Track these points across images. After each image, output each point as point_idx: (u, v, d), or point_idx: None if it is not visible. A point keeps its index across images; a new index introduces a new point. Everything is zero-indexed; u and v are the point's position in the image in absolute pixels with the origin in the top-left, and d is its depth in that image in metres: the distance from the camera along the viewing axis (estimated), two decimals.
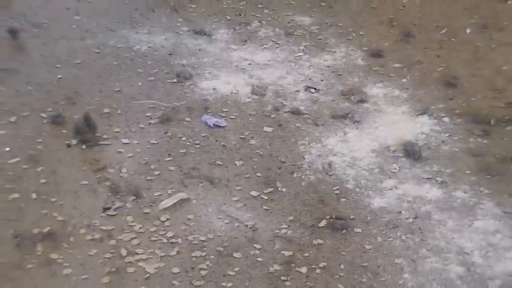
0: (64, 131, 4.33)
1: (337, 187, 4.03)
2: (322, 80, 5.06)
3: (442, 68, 5.25)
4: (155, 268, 3.41)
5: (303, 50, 5.45)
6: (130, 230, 3.63)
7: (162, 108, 4.61)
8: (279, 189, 4.00)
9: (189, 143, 4.32)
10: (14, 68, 4.94)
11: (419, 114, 4.71)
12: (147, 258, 3.47)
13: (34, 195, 3.81)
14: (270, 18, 5.85)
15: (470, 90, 4.99)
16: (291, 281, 3.39)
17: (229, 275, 3.40)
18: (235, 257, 3.51)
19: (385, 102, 4.85)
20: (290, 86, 4.98)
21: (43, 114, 4.46)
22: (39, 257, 3.44)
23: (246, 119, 4.59)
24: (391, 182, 4.09)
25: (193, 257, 3.50)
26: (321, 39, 5.61)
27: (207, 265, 3.45)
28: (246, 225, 3.71)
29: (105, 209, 3.76)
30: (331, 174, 4.13)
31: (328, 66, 5.24)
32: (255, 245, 3.59)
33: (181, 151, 4.25)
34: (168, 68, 5.07)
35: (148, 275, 3.37)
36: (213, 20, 5.76)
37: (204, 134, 4.41)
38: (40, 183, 3.91)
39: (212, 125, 4.48)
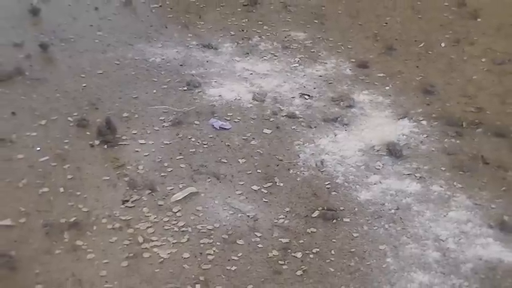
0: (88, 133, 4.32)
1: (328, 182, 4.02)
2: (314, 88, 5.05)
3: (420, 77, 5.24)
4: (168, 253, 3.41)
5: (298, 61, 5.44)
6: (146, 220, 3.63)
7: (174, 112, 4.60)
8: (277, 184, 3.98)
9: (197, 143, 4.31)
10: (44, 77, 4.94)
11: (400, 118, 4.69)
12: (161, 245, 3.46)
13: (61, 189, 3.81)
14: (269, 34, 5.84)
15: (445, 96, 4.98)
16: (288, 265, 3.38)
17: (233, 259, 3.40)
18: (239, 244, 3.50)
19: (370, 107, 4.84)
20: (287, 93, 4.97)
21: (69, 118, 4.46)
22: (66, 244, 3.44)
23: (248, 122, 4.58)
24: (375, 177, 4.08)
25: (201, 243, 3.49)
26: (313, 52, 5.60)
27: (214, 251, 3.44)
28: (248, 216, 3.70)
29: (124, 201, 3.76)
30: (323, 171, 4.12)
31: (320, 76, 5.23)
32: (256, 233, 3.58)
33: (191, 150, 4.24)
34: (179, 78, 5.06)
35: (162, 259, 3.37)
36: (219, 35, 5.76)
37: (211, 136, 4.40)
38: (67, 179, 3.90)
39: (218, 128, 4.47)
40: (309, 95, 4.95)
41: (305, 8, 6.35)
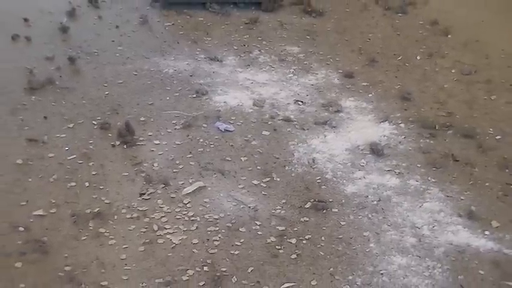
0: (110, 135, 4.31)
1: (319, 177, 4.01)
2: (307, 95, 5.03)
3: (398, 86, 5.22)
4: (179, 239, 3.40)
5: (293, 72, 5.42)
6: (160, 211, 3.62)
7: (185, 117, 4.58)
8: (274, 179, 3.97)
9: (205, 144, 4.29)
10: (72, 86, 4.92)
11: (382, 121, 4.68)
12: (173, 232, 3.46)
13: (87, 184, 3.80)
14: (267, 48, 5.82)
15: (420, 103, 4.96)
16: (284, 249, 3.37)
17: (236, 245, 3.39)
18: (241, 231, 3.49)
19: (356, 112, 4.82)
20: (283, 99, 4.95)
21: (94, 122, 4.44)
22: (91, 231, 3.43)
23: (249, 125, 4.56)
24: (360, 173, 4.07)
25: (208, 231, 3.48)
26: (306, 64, 5.58)
27: (219, 237, 3.43)
28: (249, 207, 3.69)
29: (141, 194, 3.75)
30: (314, 167, 4.11)
31: (312, 85, 5.21)
32: (256, 222, 3.57)
33: (199, 150, 4.22)
34: (189, 86, 5.04)
35: (174, 245, 3.36)
36: (223, 50, 5.73)
37: (216, 137, 4.38)
38: (91, 175, 3.89)
39: (223, 130, 4.45)
40: (302, 102, 4.93)
41: (299, 26, 6.33)
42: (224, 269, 3.22)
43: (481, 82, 5.28)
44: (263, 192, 3.83)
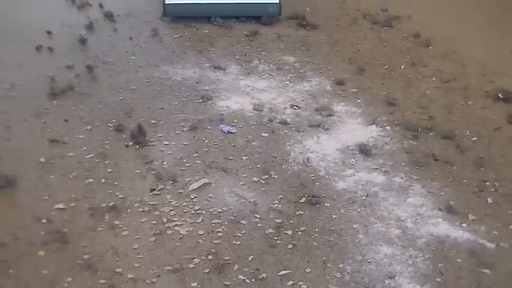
0: (124, 136, 4.30)
1: (313, 174, 4.01)
2: (302, 101, 5.03)
3: (385, 92, 5.21)
4: (186, 231, 3.40)
5: (289, 79, 5.41)
6: (169, 205, 3.62)
7: (191, 120, 4.58)
8: (272, 176, 3.97)
9: (210, 144, 4.29)
10: (90, 92, 4.91)
11: (369, 124, 4.67)
12: (181, 224, 3.45)
13: (103, 180, 3.80)
14: (266, 58, 5.81)
15: (404, 107, 4.95)
16: (281, 240, 3.37)
17: (238, 236, 3.39)
18: (242, 223, 3.49)
19: (346, 115, 4.81)
20: (280, 104, 4.94)
21: (109, 124, 4.44)
22: (107, 223, 3.43)
23: (249, 128, 4.55)
24: (350, 171, 4.06)
25: (212, 223, 3.48)
26: (301, 72, 5.57)
27: (223, 229, 3.43)
28: (250, 201, 3.69)
29: (152, 190, 3.75)
30: (308, 166, 4.10)
31: (307, 91, 5.21)
32: (255, 215, 3.57)
33: (204, 150, 4.22)
34: (196, 92, 5.04)
35: (181, 236, 3.36)
36: (226, 59, 5.73)
37: (220, 138, 4.37)
38: (107, 172, 3.89)
39: (226, 132, 4.45)
40: (297, 106, 4.93)
41: (295, 38, 6.32)
42: (227, 258, 3.21)
43: (458, 89, 5.27)
44: (262, 188, 3.83)
